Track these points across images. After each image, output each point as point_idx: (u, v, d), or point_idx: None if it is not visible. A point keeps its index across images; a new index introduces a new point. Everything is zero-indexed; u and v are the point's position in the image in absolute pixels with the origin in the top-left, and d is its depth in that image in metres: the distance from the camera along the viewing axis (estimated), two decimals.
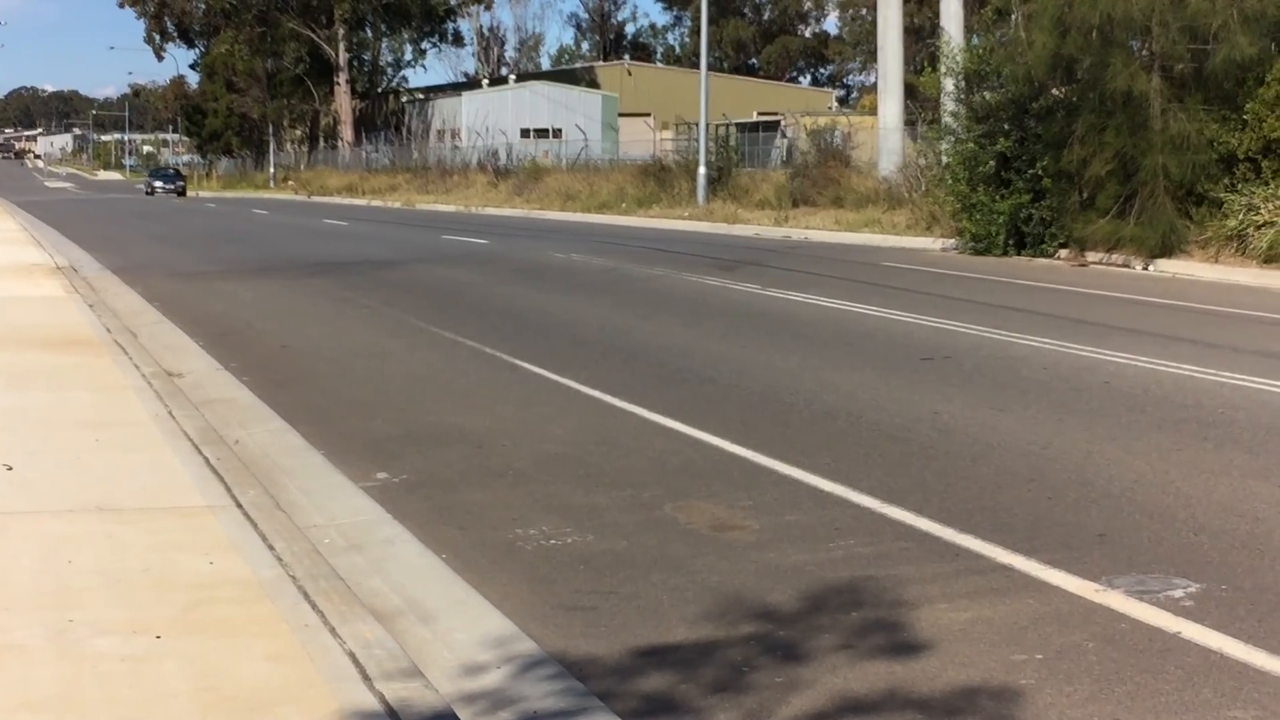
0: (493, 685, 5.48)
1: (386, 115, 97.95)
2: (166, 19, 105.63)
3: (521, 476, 8.93)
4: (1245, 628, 6.03)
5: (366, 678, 5.28)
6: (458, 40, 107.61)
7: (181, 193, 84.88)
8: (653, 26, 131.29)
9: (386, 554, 7.25)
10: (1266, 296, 20.33)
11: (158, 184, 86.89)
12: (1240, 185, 24.21)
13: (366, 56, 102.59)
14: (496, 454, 9.59)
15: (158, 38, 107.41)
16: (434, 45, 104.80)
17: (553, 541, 7.45)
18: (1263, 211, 23.46)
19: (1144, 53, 25.56)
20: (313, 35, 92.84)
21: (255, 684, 5.22)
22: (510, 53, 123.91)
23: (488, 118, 76.52)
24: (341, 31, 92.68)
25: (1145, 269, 24.75)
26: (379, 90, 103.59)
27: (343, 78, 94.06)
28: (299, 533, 7.40)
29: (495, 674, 5.57)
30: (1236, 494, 8.34)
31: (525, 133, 78.04)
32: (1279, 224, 23.01)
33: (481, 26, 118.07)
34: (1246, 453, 9.47)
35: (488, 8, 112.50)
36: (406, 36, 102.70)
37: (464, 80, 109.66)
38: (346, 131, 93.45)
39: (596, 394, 11.74)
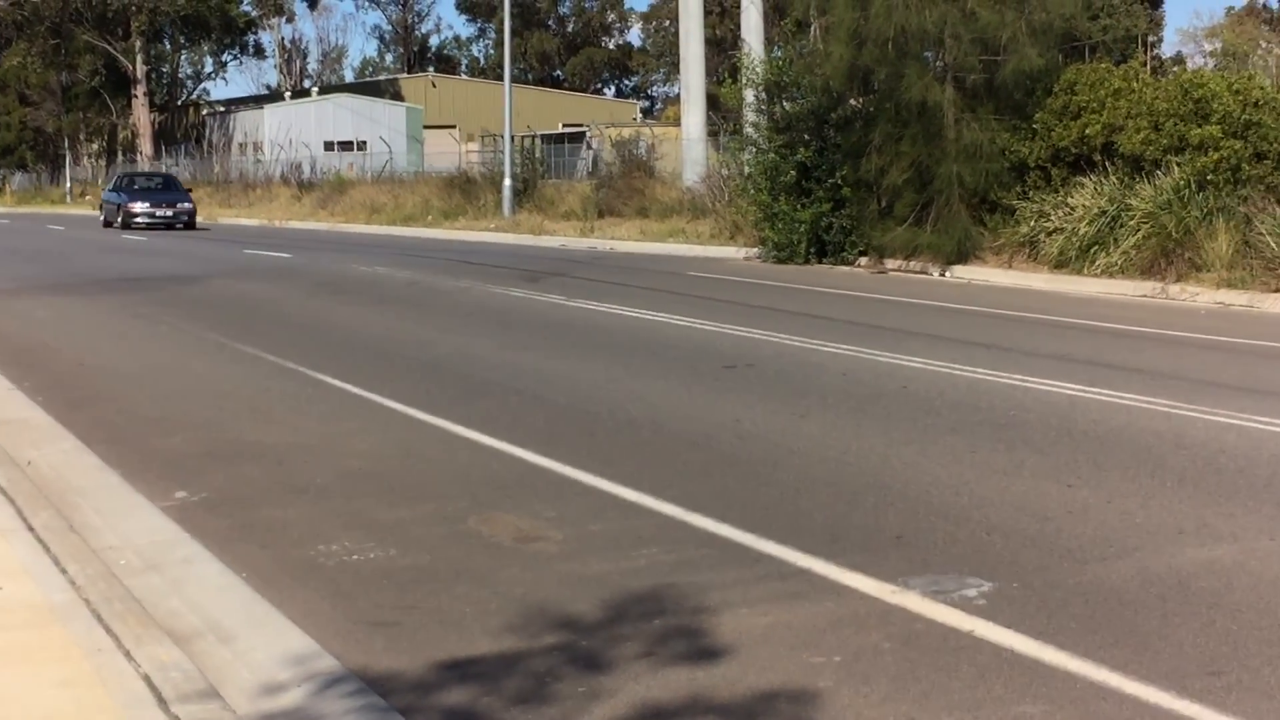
0: (292, 704, 5.43)
1: (187, 128, 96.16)
2: None
3: (324, 492, 8.85)
4: (1035, 625, 6.18)
5: (162, 701, 5.20)
6: (259, 52, 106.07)
7: None
8: (457, 39, 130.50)
9: (185, 574, 7.14)
10: (1057, 301, 20.87)
11: None
12: (1031, 193, 24.86)
13: (165, 69, 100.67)
14: (298, 470, 9.48)
15: None
16: (235, 58, 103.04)
17: (355, 557, 7.39)
18: (1053, 218, 24.09)
19: (938, 64, 26.12)
20: (109, 48, 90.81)
21: (45, 712, 5.11)
22: (313, 65, 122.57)
23: (290, 130, 75.55)
24: (139, 44, 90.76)
25: (942, 275, 25.28)
26: (178, 103, 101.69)
27: (140, 90, 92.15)
28: (93, 555, 7.26)
29: (295, 692, 5.52)
30: (1028, 494, 8.56)
31: (329, 145, 77.22)
32: (1068, 230, 23.64)
33: (283, 39, 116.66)
34: (1037, 454, 9.71)
35: (289, 20, 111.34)
36: (206, 49, 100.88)
37: (266, 93, 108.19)
38: (145, 145, 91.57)
39: (400, 407, 11.67)
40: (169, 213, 48.51)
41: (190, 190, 53.71)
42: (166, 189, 52.13)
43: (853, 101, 28.38)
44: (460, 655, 5.96)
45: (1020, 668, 5.73)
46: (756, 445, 10.09)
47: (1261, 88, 23.41)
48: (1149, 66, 27.83)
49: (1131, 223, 22.69)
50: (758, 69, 30.25)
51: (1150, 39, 48.03)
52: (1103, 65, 26.18)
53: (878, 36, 25.16)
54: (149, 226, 47.23)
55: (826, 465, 9.41)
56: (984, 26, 24.65)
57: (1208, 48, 79.48)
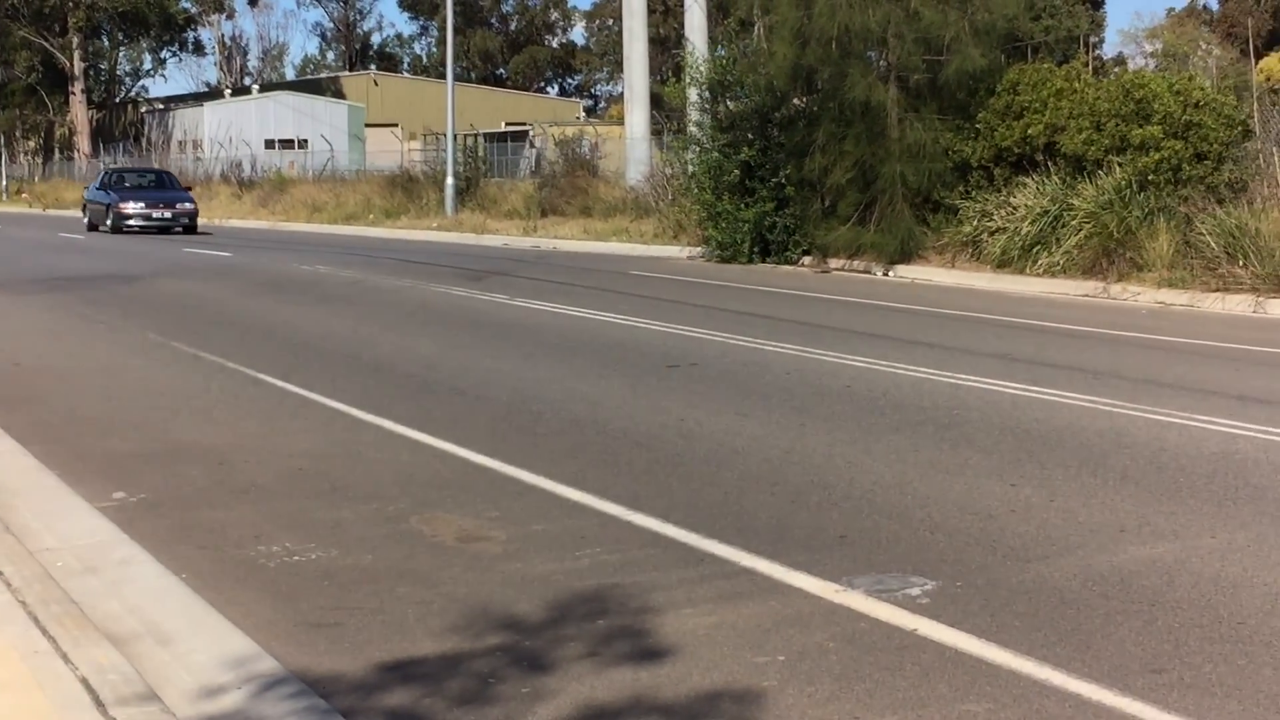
0: (233, 706, 5.36)
1: (125, 126, 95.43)
2: None
3: (264, 493, 8.78)
4: (979, 624, 6.19)
5: (100, 704, 5.13)
6: (198, 49, 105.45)
7: None
8: (399, 36, 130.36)
9: (123, 575, 7.06)
10: (1000, 300, 20.96)
11: None
12: (974, 192, 24.96)
13: (103, 66, 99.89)
14: (239, 470, 9.40)
15: None
16: (174, 54, 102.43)
17: (296, 558, 7.33)
18: (995, 218, 24.21)
19: (881, 63, 26.21)
20: (46, 44, 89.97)
21: None
22: (253, 62, 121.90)
23: (231, 128, 75.15)
24: (76, 40, 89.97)
25: (885, 274, 25.35)
26: (117, 100, 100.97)
27: (78, 87, 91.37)
28: (30, 556, 7.17)
29: (236, 695, 5.46)
30: (971, 493, 8.57)
31: (270, 143, 76.82)
32: (1010, 230, 23.75)
33: (223, 36, 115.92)
34: (980, 452, 9.73)
35: (229, 17, 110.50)
36: (145, 45, 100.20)
37: (206, 90, 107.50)
38: (83, 142, 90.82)
39: (342, 407, 11.59)
40: (167, 214, 43.09)
41: (191, 189, 48.92)
42: (162, 186, 46.68)
43: (796, 101, 28.44)
44: (403, 656, 5.91)
45: (964, 666, 5.73)
46: (700, 445, 10.08)
47: (1202, 89, 23.58)
48: (1091, 67, 27.99)
49: (1073, 222, 22.82)
50: (701, 68, 30.27)
51: (1092, 40, 48.34)
52: (1045, 66, 26.34)
53: (821, 36, 25.20)
54: (143, 230, 42.21)
55: (770, 464, 9.40)
56: (927, 26, 24.73)
57: (1149, 49, 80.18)
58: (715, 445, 10.05)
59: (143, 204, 43.30)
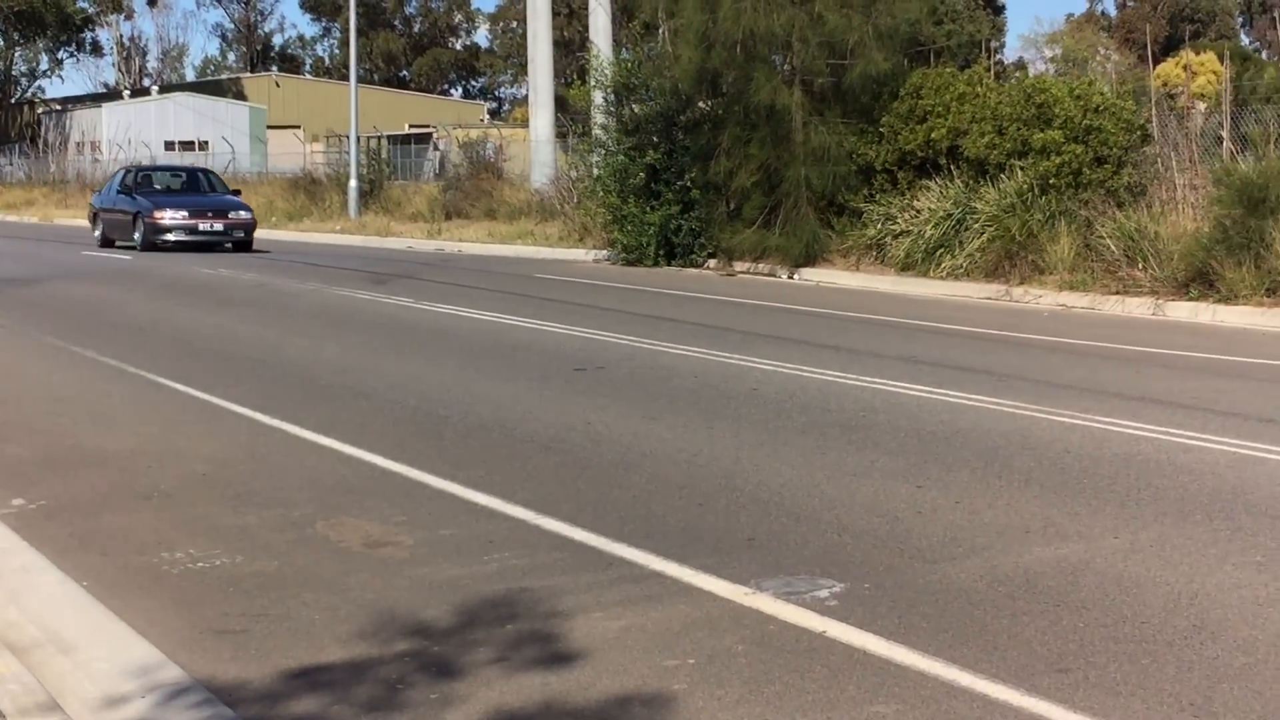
0: (136, 715, 5.29)
1: (21, 127, 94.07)
2: None
3: (168, 499, 8.67)
4: (887, 625, 6.21)
5: (0, 714, 5.04)
6: (96, 50, 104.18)
7: None
8: (301, 38, 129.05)
9: (22, 583, 6.94)
10: (904, 303, 21.11)
11: None
12: (878, 196, 25.13)
13: None
14: (141, 476, 9.28)
15: None
16: (71, 55, 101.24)
17: (200, 564, 7.24)
18: (899, 221, 24.38)
19: (786, 67, 26.32)
20: None
21: None
22: (153, 63, 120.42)
23: (130, 129, 74.24)
24: None
25: (790, 278, 25.46)
26: (12, 101, 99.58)
27: None
28: None
29: (139, 703, 5.38)
30: (878, 495, 8.61)
31: (170, 145, 76.02)
32: (914, 233, 23.93)
33: (122, 36, 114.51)
34: (887, 454, 9.79)
35: (128, 17, 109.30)
36: (42, 46, 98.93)
37: (104, 91, 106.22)
38: None
39: (246, 412, 11.48)
40: (218, 226, 33.39)
41: (239, 192, 38.37)
42: (201, 188, 36.68)
43: (701, 104, 28.50)
44: (310, 663, 5.85)
45: (872, 668, 5.75)
46: (608, 448, 10.06)
47: (1102, 93, 23.86)
48: (993, 72, 28.24)
49: (976, 226, 23.03)
50: (606, 71, 30.27)
51: (993, 45, 48.82)
52: (948, 70, 26.54)
53: (726, 39, 25.29)
54: (179, 246, 32.55)
55: (679, 467, 9.41)
56: (831, 30, 24.87)
57: (1048, 53, 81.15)
58: (623, 448, 10.04)
59: (185, 213, 33.19)
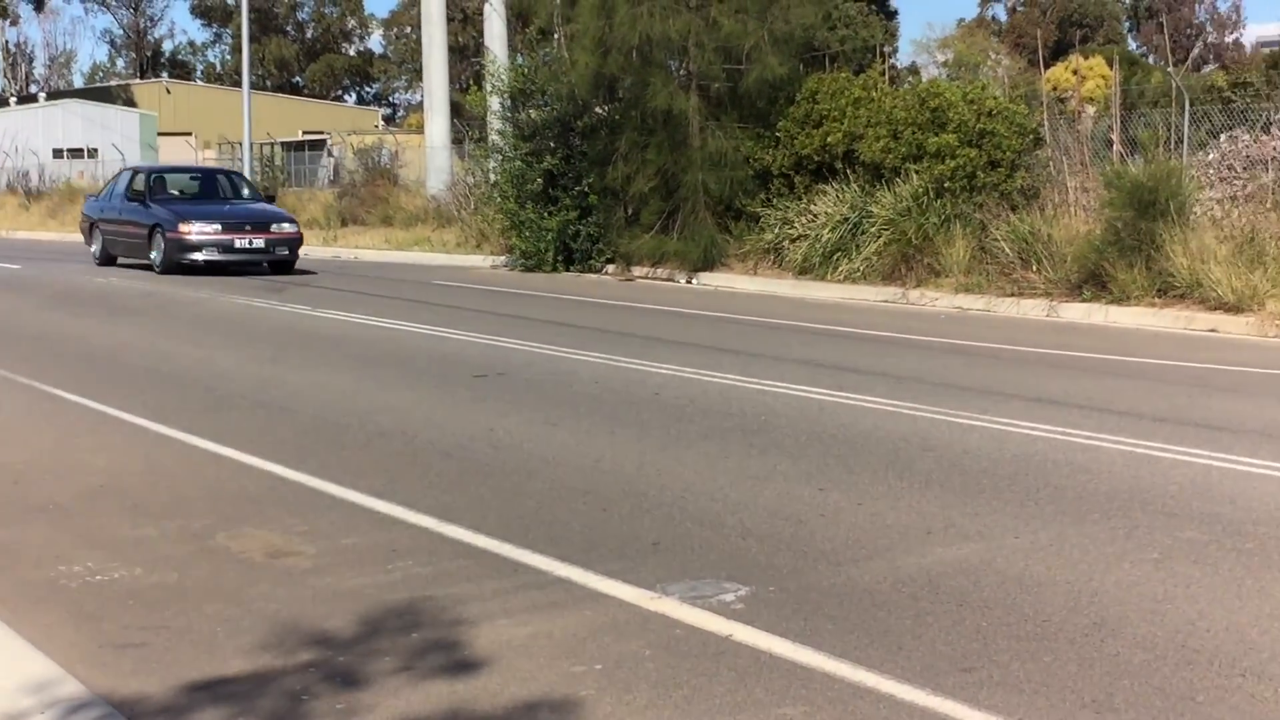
0: None
1: None
2: None
3: (63, 511, 8.53)
4: (792, 627, 6.23)
5: None
6: None
7: None
8: (192, 44, 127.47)
9: None
10: (802, 307, 21.23)
11: None
12: (776, 200, 25.26)
13: None
14: (35, 489, 9.12)
15: None
16: None
17: (99, 577, 7.13)
18: (796, 225, 24.52)
19: (682, 72, 26.42)
20: None
21: None
22: (40, 70, 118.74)
23: (17, 137, 73.00)
24: None
25: (689, 282, 25.54)
26: None
27: None
28: None
29: (38, 719, 5.29)
30: (781, 498, 8.64)
31: (59, 153, 74.90)
32: (811, 237, 24.07)
33: (7, 42, 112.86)
34: (789, 458, 9.83)
35: (14, 23, 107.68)
36: None
37: None
38: None
39: (142, 422, 11.32)
40: (258, 241, 27.29)
41: (274, 198, 34.04)
42: (227, 194, 30.40)
43: (599, 109, 28.55)
44: (212, 675, 5.78)
45: (779, 670, 5.76)
46: (510, 454, 10.03)
47: (995, 98, 24.12)
48: (887, 76, 28.47)
49: (873, 230, 23.21)
50: (503, 76, 30.24)
51: (887, 49, 49.22)
52: (843, 75, 26.74)
53: (622, 45, 25.34)
54: (211, 268, 27.02)
55: (582, 473, 9.39)
56: (727, 36, 24.99)
57: (941, 58, 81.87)
58: (526, 455, 10.01)
59: (217, 226, 27.13)
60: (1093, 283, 20.03)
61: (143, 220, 28.14)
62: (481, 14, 41.45)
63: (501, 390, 12.94)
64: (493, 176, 31.21)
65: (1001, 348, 16.26)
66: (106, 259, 29.75)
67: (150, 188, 29.19)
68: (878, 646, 6.01)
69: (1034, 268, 20.93)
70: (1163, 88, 44.22)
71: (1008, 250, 21.35)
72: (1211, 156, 22.97)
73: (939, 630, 6.22)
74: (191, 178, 31.93)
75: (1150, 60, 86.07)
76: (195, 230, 26.86)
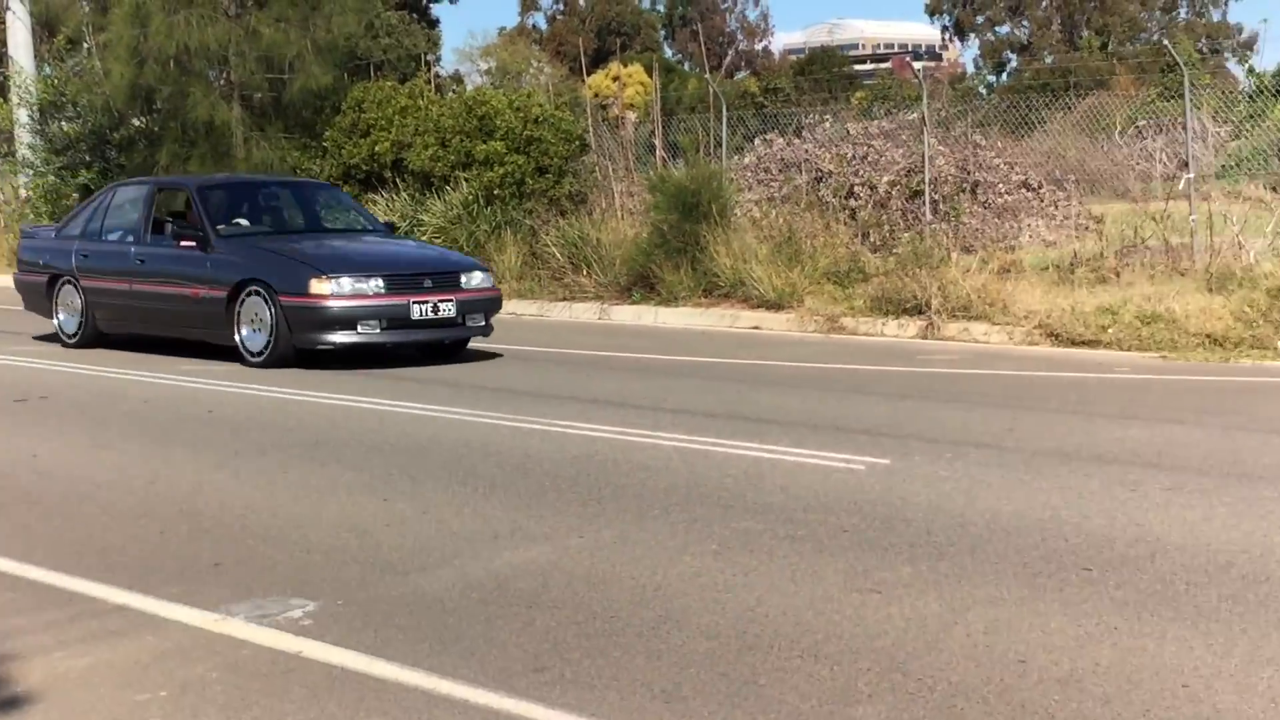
0: None
1: None
2: None
3: None
4: (363, 640, 6.15)
5: None
6: None
7: None
8: None
9: None
10: None
11: None
12: None
13: None
14: None
15: None
16: None
17: None
18: None
19: (224, 82, 25.90)
20: None
21: None
22: None
23: None
24: None
25: None
26: None
27: None
28: None
29: None
30: (345, 511, 8.53)
31: None
32: None
33: None
34: (352, 469, 9.71)
35: None
36: None
37: None
38: None
39: None
40: (447, 308, 15.26)
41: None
42: (325, 225, 17.68)
43: (136, 121, 27.72)
44: None
45: (352, 684, 5.68)
46: (57, 481, 9.60)
47: (540, 105, 24.48)
48: (433, 85, 28.57)
49: (424, 238, 23.18)
50: (31, 88, 29.05)
51: (430, 58, 49.36)
52: (389, 84, 26.70)
53: (159, 54, 24.70)
54: (364, 352, 15.29)
55: (135, 496, 9.06)
56: (269, 45, 24.64)
57: (483, 66, 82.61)
58: (74, 479, 9.60)
59: (379, 281, 15.03)
60: (642, 285, 20.54)
61: (206, 274, 15.84)
62: (4, 21, 39.60)
63: (44, 414, 12.38)
64: (24, 193, 29.91)
65: (556, 351, 16.50)
66: (91, 336, 17.38)
67: (207, 214, 16.34)
68: (450, 653, 5.99)
69: (585, 271, 21.32)
70: (699, 93, 45.73)
71: (558, 255, 21.68)
72: (749, 160, 23.89)
73: (510, 633, 6.24)
74: (265, 190, 18.38)
75: (686, 67, 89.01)
76: (346, 289, 14.98)
